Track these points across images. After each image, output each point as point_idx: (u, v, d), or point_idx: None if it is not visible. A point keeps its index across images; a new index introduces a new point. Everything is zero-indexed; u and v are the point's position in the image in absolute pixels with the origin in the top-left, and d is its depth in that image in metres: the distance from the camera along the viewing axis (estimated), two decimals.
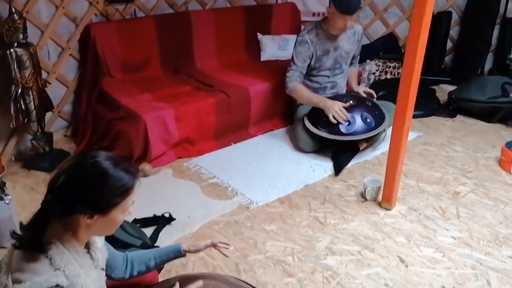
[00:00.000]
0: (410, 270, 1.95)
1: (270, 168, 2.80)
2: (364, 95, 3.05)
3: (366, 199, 2.45)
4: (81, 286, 1.07)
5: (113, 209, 1.13)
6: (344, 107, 2.79)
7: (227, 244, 1.57)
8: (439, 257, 2.03)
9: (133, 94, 2.96)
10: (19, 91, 2.57)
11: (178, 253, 1.51)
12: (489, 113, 3.44)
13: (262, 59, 3.85)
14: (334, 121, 2.76)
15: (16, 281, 1.04)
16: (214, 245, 1.55)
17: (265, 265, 1.99)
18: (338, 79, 3.13)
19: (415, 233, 2.19)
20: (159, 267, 1.50)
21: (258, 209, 2.40)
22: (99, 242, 1.28)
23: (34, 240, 1.08)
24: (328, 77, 3.08)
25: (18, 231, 1.11)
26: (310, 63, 3.01)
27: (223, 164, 2.84)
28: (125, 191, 1.13)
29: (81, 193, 1.09)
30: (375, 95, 3.08)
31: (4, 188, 2.11)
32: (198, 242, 1.56)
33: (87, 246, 1.23)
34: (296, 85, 2.98)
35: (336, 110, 2.77)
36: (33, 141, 2.75)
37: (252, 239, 2.16)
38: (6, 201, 2.03)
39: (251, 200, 2.47)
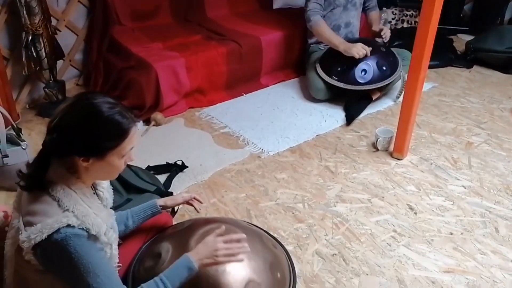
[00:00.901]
0: (418, 218, 1.98)
1: (281, 118, 2.80)
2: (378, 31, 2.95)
3: (378, 149, 2.45)
4: (92, 225, 1.09)
5: (108, 153, 1.12)
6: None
7: (200, 202, 1.60)
8: (449, 205, 2.05)
9: (144, 42, 2.92)
10: (30, 38, 2.57)
11: (154, 209, 1.52)
12: (507, 64, 3.36)
13: (274, 7, 3.74)
14: (357, 56, 2.70)
15: (28, 224, 1.06)
16: (190, 200, 1.57)
17: (275, 211, 2.03)
18: (352, 17, 3.04)
19: (425, 182, 2.20)
20: (138, 225, 1.51)
21: (269, 158, 2.42)
22: (104, 182, 1.30)
23: (37, 179, 1.10)
24: (342, 14, 2.99)
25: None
26: None
27: (234, 114, 2.84)
28: (119, 135, 1.12)
29: (74, 134, 1.09)
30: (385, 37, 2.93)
31: (20, 134, 2.15)
32: (175, 196, 1.60)
33: (94, 187, 1.25)
34: (319, 19, 2.89)
35: (358, 47, 2.71)
36: (46, 89, 2.77)
37: (263, 186, 2.19)
38: (23, 147, 2.07)
39: (262, 150, 2.48)
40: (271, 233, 1.76)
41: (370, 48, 2.74)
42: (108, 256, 1.19)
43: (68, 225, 1.05)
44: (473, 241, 1.85)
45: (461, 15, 4.27)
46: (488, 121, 2.75)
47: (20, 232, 1.07)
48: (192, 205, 1.59)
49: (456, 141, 2.54)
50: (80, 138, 1.09)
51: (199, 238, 1.45)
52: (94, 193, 1.24)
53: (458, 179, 2.22)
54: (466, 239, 1.86)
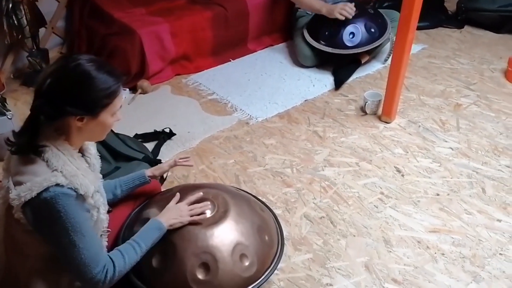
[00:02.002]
0: (405, 179, 1.99)
1: (269, 83, 2.76)
2: None
3: (366, 113, 2.44)
4: (80, 185, 1.11)
5: (102, 111, 1.15)
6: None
7: (186, 158, 1.65)
8: (436, 167, 2.06)
9: (126, 7, 2.84)
10: (10, 5, 2.50)
11: (143, 179, 1.56)
12: (499, 23, 3.30)
13: None
14: (342, 18, 2.66)
15: (17, 183, 1.08)
16: (176, 163, 1.61)
17: (264, 176, 2.03)
18: None
19: (413, 145, 2.21)
20: (126, 194, 1.55)
21: (258, 124, 2.40)
22: (92, 149, 1.31)
23: (29, 144, 1.11)
24: None
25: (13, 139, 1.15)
26: None
27: (221, 81, 2.80)
28: (112, 93, 1.15)
29: (69, 94, 1.10)
30: None
31: (5, 104, 2.12)
32: (162, 165, 1.63)
33: (81, 153, 1.26)
34: None
35: (340, 6, 2.66)
36: (30, 58, 2.72)
37: (251, 152, 2.19)
38: (9, 116, 2.06)
39: (250, 116, 2.46)
40: (260, 197, 1.77)
41: (354, 9, 2.69)
42: (95, 220, 1.21)
43: (57, 184, 1.07)
44: (459, 202, 1.88)
45: None
46: (478, 82, 2.74)
47: (10, 191, 1.09)
48: (181, 164, 1.63)
49: (444, 103, 2.53)
50: (76, 98, 1.11)
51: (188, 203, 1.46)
52: (81, 156, 1.25)
53: (446, 141, 2.23)
54: (453, 200, 1.88)
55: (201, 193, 1.45)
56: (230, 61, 3.02)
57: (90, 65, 1.12)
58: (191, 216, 1.37)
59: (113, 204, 1.49)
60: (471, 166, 2.07)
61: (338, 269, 1.60)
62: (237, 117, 2.46)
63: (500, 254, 1.65)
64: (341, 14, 2.65)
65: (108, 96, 1.14)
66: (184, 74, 2.88)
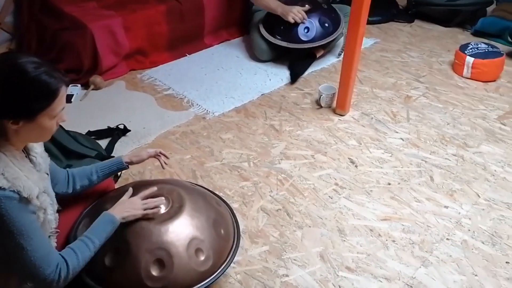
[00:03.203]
0: (359, 170, 2.05)
1: (226, 78, 2.77)
2: None
3: (321, 106, 2.49)
4: (22, 187, 1.08)
5: (39, 114, 1.09)
6: (303, 11, 2.74)
7: (166, 157, 1.61)
8: (387, 157, 2.13)
9: (77, 1, 2.75)
10: None
11: (120, 165, 1.52)
12: (448, 17, 3.44)
13: None
14: (292, 21, 2.70)
15: None
16: (156, 155, 1.58)
17: (221, 171, 2.04)
18: None
19: (366, 137, 2.27)
20: (102, 180, 1.51)
21: (214, 119, 2.40)
22: (38, 147, 1.27)
23: None
24: None
25: None
26: None
27: (178, 76, 2.77)
28: (48, 95, 1.09)
29: (1, 95, 1.05)
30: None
31: None
32: (140, 152, 1.58)
33: (26, 152, 1.22)
34: None
35: (294, 12, 2.71)
36: None
37: (208, 147, 2.19)
38: None
39: (207, 111, 2.46)
40: (217, 192, 1.77)
41: (307, 8, 2.74)
42: (41, 221, 1.18)
43: None
44: (409, 190, 1.95)
45: None
46: (427, 74, 2.84)
47: None
48: (159, 159, 1.59)
49: (395, 96, 2.62)
50: (7, 100, 1.05)
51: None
52: (26, 157, 1.21)
53: (397, 132, 2.31)
54: (403, 188, 1.95)
55: (155, 188, 1.42)
56: (186, 55, 2.99)
57: (29, 65, 1.05)
58: (145, 209, 1.34)
59: (63, 204, 1.45)
60: (420, 156, 2.15)
61: (294, 260, 1.63)
62: (194, 112, 2.45)
63: (447, 239, 1.72)
64: (293, 18, 2.70)
65: (43, 99, 1.08)
66: (139, 69, 2.84)
